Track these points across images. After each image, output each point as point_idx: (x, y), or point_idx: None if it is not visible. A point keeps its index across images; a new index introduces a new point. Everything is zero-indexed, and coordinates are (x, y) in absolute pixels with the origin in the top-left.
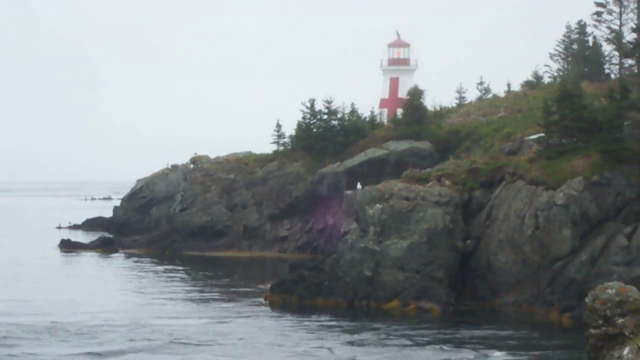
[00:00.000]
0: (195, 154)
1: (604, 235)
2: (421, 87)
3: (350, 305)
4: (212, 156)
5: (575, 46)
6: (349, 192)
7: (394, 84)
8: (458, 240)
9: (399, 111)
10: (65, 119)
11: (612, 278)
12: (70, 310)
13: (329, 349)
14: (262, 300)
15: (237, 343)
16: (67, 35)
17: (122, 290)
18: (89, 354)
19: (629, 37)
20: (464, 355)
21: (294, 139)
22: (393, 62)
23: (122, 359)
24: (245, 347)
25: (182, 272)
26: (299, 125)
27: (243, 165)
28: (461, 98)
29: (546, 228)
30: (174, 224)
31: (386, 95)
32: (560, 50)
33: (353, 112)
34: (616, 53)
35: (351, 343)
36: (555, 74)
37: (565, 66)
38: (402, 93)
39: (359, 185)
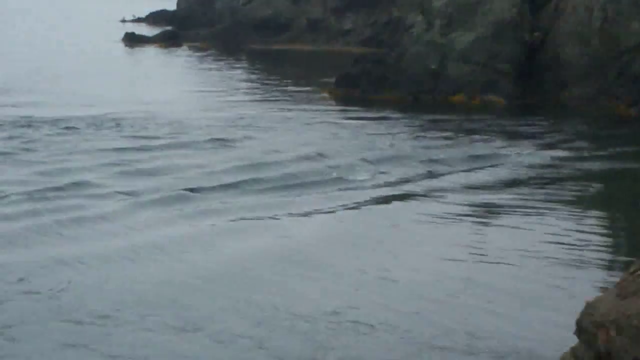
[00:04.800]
0: None
1: None
2: None
3: (415, 98)
4: None
5: None
6: None
7: None
8: (525, 33)
9: None
10: None
11: None
12: (129, 104)
13: (391, 139)
14: (325, 94)
15: (298, 128)
16: None
17: (184, 84)
18: (140, 148)
19: None
20: (519, 148)
21: None
22: None
23: (166, 152)
24: (305, 132)
25: (245, 65)
26: None
27: None
28: None
29: (615, 20)
30: (237, 18)
31: None
32: None
33: None
34: None
35: (412, 134)
36: None
37: None
38: None
39: None
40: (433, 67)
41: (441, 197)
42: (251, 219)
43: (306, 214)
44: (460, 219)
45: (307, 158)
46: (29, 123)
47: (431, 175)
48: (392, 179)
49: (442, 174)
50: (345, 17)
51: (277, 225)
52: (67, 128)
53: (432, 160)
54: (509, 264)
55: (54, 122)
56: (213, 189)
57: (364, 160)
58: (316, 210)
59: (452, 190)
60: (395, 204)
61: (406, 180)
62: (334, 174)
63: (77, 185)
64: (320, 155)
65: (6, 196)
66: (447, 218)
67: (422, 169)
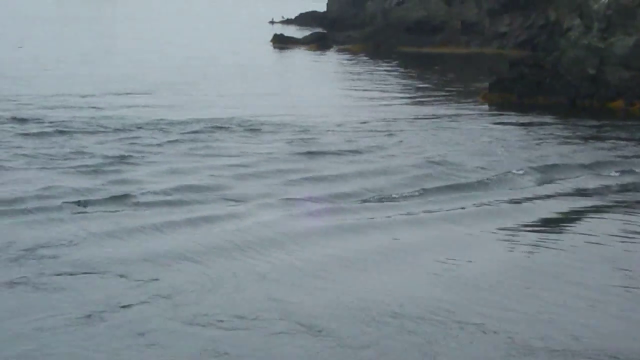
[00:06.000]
0: None
1: None
2: None
3: (572, 104)
4: None
5: None
6: None
7: None
8: None
9: None
10: None
11: None
12: (279, 107)
13: (553, 146)
14: (479, 98)
15: (454, 135)
16: None
17: (335, 88)
18: (297, 153)
19: None
20: None
21: None
22: None
23: (326, 159)
24: (462, 139)
25: (396, 68)
26: None
27: None
28: None
29: None
30: (389, 19)
31: None
32: None
33: None
34: None
35: (573, 141)
36: None
37: None
38: None
39: None
40: (591, 71)
41: (612, 213)
42: (432, 233)
43: (497, 230)
44: (618, 239)
45: (470, 167)
46: (185, 126)
47: (603, 189)
48: (563, 190)
49: (615, 189)
50: (500, 20)
51: (463, 242)
52: (216, 127)
53: (600, 173)
54: None
55: (205, 123)
56: (391, 199)
57: (531, 168)
58: (501, 225)
59: (626, 206)
60: (574, 218)
61: (578, 193)
62: (500, 186)
63: (241, 194)
64: (481, 164)
65: (192, 199)
66: (615, 238)
67: (591, 182)
